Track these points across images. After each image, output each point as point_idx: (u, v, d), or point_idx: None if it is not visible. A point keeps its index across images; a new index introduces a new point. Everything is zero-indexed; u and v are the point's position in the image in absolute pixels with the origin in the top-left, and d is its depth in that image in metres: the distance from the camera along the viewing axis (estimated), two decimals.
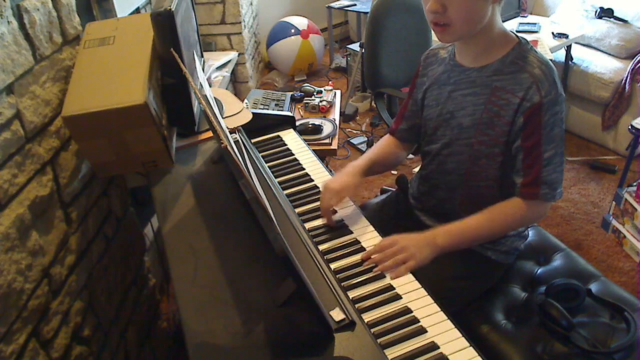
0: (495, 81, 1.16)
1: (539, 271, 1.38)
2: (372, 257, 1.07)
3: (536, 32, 3.00)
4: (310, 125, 1.95)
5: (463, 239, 1.18)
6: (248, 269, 1.04)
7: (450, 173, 1.30)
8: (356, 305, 0.96)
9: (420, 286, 1.01)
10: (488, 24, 1.12)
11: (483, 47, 1.17)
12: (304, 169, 1.38)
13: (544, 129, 1.11)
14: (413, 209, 1.46)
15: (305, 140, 1.52)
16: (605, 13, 2.97)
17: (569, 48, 2.99)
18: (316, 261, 1.03)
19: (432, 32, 2.33)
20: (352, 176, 1.26)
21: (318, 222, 1.19)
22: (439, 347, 0.89)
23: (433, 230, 1.15)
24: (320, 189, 1.27)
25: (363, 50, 3.29)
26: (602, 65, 2.89)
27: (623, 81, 2.78)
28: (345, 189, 1.22)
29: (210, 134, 1.48)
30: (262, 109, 2.12)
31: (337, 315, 0.90)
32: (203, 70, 1.58)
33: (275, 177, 1.34)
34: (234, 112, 1.51)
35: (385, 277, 1.04)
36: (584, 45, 3.11)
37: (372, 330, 0.91)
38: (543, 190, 1.14)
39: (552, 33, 2.95)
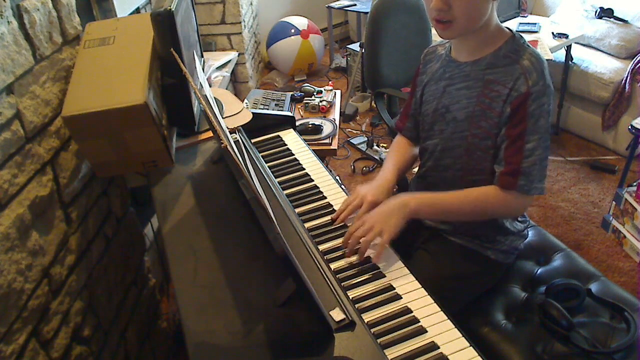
0: (488, 74, 1.17)
1: (539, 271, 1.38)
2: (346, 247, 1.09)
3: (536, 32, 3.00)
4: (310, 125, 1.95)
5: (435, 207, 1.21)
6: (248, 269, 1.04)
7: (447, 169, 1.30)
8: (356, 305, 0.96)
9: (420, 286, 1.01)
10: (486, 20, 1.13)
11: (478, 42, 1.18)
12: (304, 169, 1.38)
13: (529, 120, 1.11)
14: None
15: (305, 140, 1.52)
16: (605, 13, 2.97)
17: (569, 48, 2.99)
18: (316, 261, 1.03)
19: (432, 32, 2.35)
20: (386, 190, 1.26)
21: (318, 222, 1.19)
22: (439, 347, 0.89)
23: (404, 194, 1.20)
24: (320, 189, 1.28)
25: (363, 50, 3.29)
26: (602, 65, 2.89)
27: (623, 81, 2.78)
28: (378, 205, 1.21)
29: (210, 134, 1.48)
30: (262, 109, 2.12)
31: (337, 315, 0.90)
32: (203, 70, 1.58)
33: (275, 177, 1.34)
34: (234, 112, 1.51)
35: (385, 276, 1.04)
36: (584, 45, 3.11)
37: (372, 330, 0.91)
38: (520, 181, 1.14)
39: (552, 33, 2.95)
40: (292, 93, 2.30)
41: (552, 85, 1.14)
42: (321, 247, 1.11)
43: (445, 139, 1.28)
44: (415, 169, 1.48)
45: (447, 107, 1.26)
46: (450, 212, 1.24)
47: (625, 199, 2.23)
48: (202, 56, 1.71)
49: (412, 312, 0.95)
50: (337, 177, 1.36)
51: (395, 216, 1.13)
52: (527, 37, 1.26)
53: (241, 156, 1.01)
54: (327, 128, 1.97)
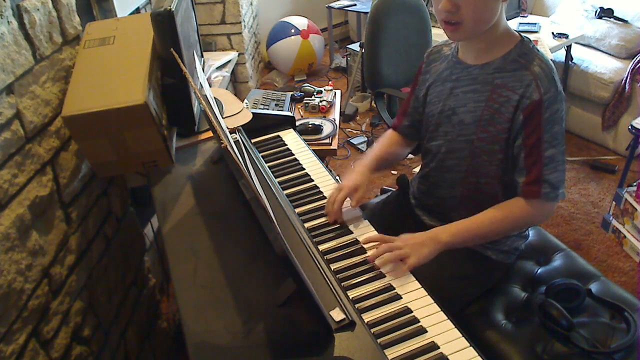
0: (496, 78, 1.17)
1: (539, 271, 1.38)
2: (373, 250, 1.07)
3: (536, 32, 3.00)
4: (310, 125, 1.95)
5: (467, 236, 1.17)
6: (248, 269, 1.04)
7: (451, 170, 1.30)
8: (356, 305, 0.96)
9: (420, 286, 1.01)
10: (495, 22, 1.13)
11: (487, 44, 1.17)
12: (304, 169, 1.38)
13: (545, 127, 1.11)
14: (414, 209, 1.46)
15: (305, 140, 1.52)
16: (605, 13, 2.97)
17: (569, 48, 2.99)
18: (316, 261, 1.03)
19: (432, 32, 2.35)
20: (363, 175, 1.28)
21: (318, 222, 1.19)
22: (439, 347, 0.89)
23: (437, 228, 1.16)
24: (320, 189, 1.28)
25: (363, 50, 3.29)
26: (602, 65, 2.89)
27: (623, 81, 2.78)
28: (360, 186, 1.23)
29: (210, 134, 1.48)
30: (262, 109, 2.12)
31: (337, 315, 0.90)
32: (203, 70, 1.58)
33: (275, 177, 1.34)
34: (234, 112, 1.51)
35: (385, 277, 1.04)
36: (584, 45, 3.11)
37: (372, 330, 0.91)
38: (545, 189, 1.14)
39: (552, 33, 2.95)
40: (292, 93, 2.30)
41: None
42: (321, 247, 1.11)
43: (450, 141, 1.28)
44: (417, 169, 1.48)
45: (453, 110, 1.25)
46: (483, 237, 1.22)
47: (625, 199, 2.23)
48: (202, 56, 1.71)
49: (412, 312, 0.95)
50: (337, 177, 1.36)
51: (428, 248, 1.10)
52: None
53: (241, 156, 1.01)
54: (327, 128, 1.97)
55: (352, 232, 1.16)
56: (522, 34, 1.19)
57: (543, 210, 1.19)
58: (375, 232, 1.16)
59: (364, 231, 1.16)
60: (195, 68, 1.40)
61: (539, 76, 1.11)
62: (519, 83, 1.13)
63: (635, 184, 2.23)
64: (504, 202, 1.20)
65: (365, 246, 1.11)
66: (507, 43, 1.17)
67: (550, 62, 1.15)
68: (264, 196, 0.91)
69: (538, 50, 1.16)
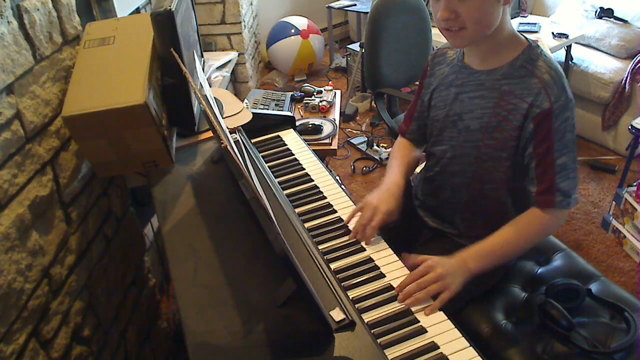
0: (504, 85, 1.15)
1: (539, 271, 1.38)
2: (401, 290, 1.00)
3: (536, 32, 3.00)
4: (310, 125, 1.95)
5: (493, 258, 1.14)
6: (248, 269, 1.04)
7: (456, 175, 1.29)
8: (356, 305, 0.96)
9: None
10: (498, 26, 1.11)
11: (492, 49, 1.15)
12: (304, 169, 1.38)
13: (556, 135, 1.10)
14: (416, 209, 1.46)
15: (305, 140, 1.52)
16: (605, 13, 2.97)
17: (569, 48, 2.99)
18: (316, 261, 1.03)
19: (432, 32, 2.35)
20: (397, 202, 1.22)
21: (318, 222, 1.19)
22: (439, 347, 0.89)
23: (462, 253, 1.11)
24: (320, 189, 1.28)
25: (363, 50, 3.29)
26: (602, 65, 2.89)
27: (623, 81, 2.78)
28: (394, 214, 1.19)
29: (210, 134, 1.48)
30: (262, 109, 2.12)
31: (337, 315, 0.90)
32: (203, 70, 1.58)
33: (275, 177, 1.34)
34: (234, 112, 1.51)
35: (385, 276, 1.03)
36: (584, 45, 3.11)
37: (372, 330, 0.91)
38: (558, 197, 1.13)
39: (552, 33, 2.95)
40: (292, 93, 2.30)
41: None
42: (321, 247, 1.11)
43: (455, 146, 1.26)
44: (417, 169, 1.48)
45: (459, 115, 1.24)
46: (509, 254, 1.20)
47: (625, 199, 2.23)
48: (202, 56, 1.71)
49: (412, 312, 0.95)
50: (337, 177, 1.36)
51: (461, 275, 1.06)
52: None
53: (241, 156, 1.01)
54: (327, 128, 1.97)
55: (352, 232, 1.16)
56: (530, 39, 1.16)
57: (558, 218, 1.18)
58: (386, 244, 1.13)
59: None
60: (195, 68, 1.40)
61: (549, 84, 1.09)
62: (528, 91, 1.11)
63: (635, 184, 2.23)
64: (519, 216, 1.18)
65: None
66: (514, 48, 1.15)
67: (559, 68, 1.12)
68: (264, 196, 0.91)
69: (546, 56, 1.14)
